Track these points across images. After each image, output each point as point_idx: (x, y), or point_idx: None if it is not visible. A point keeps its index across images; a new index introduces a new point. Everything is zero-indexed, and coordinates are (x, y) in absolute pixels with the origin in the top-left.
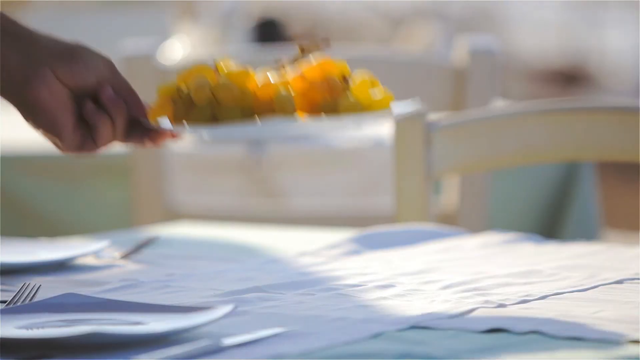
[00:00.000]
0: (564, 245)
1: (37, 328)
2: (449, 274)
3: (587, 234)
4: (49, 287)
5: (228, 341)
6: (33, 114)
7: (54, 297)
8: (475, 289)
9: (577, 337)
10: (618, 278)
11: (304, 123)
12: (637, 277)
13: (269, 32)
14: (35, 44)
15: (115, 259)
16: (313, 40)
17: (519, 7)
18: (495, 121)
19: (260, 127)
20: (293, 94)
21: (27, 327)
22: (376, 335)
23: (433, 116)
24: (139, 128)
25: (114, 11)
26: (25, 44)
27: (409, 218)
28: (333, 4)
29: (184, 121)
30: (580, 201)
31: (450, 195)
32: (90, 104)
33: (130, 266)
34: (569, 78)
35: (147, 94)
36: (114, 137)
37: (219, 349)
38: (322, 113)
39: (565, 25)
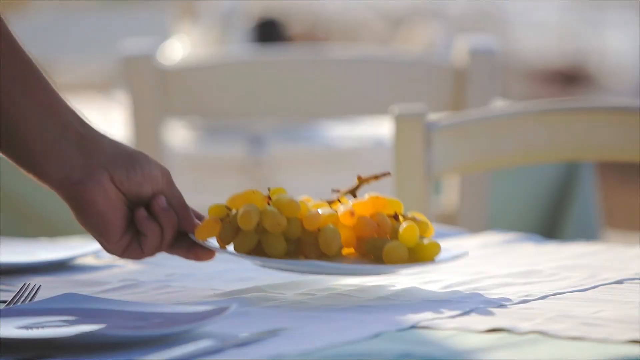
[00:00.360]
0: (564, 245)
1: (37, 328)
2: (449, 274)
3: (587, 234)
4: (49, 287)
5: (228, 341)
6: (84, 214)
7: (54, 297)
8: (475, 289)
9: (577, 337)
10: (618, 278)
11: (343, 267)
12: (637, 277)
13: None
14: (97, 146)
15: (115, 259)
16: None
17: (519, 7)
18: (495, 121)
19: (303, 264)
20: (340, 228)
21: (27, 327)
22: (376, 335)
23: (433, 116)
24: (185, 241)
25: (114, 11)
26: (88, 145)
27: None
28: (333, 4)
29: (230, 244)
30: (580, 201)
31: (450, 195)
32: (143, 211)
33: (130, 266)
34: (569, 78)
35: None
36: (160, 247)
37: (219, 349)
38: (367, 251)
39: (565, 26)
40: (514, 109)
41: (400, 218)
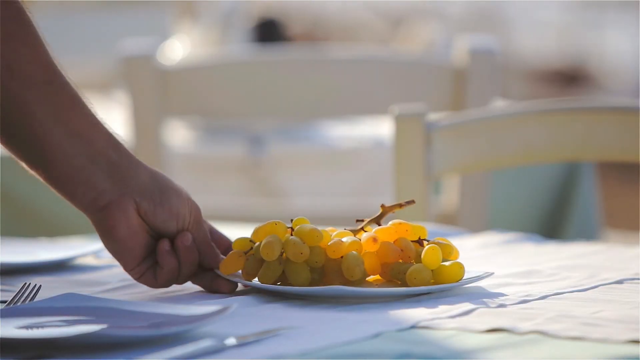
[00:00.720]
0: (564, 245)
1: (37, 328)
2: None
3: (587, 234)
4: (49, 287)
5: (228, 341)
6: (106, 238)
7: (54, 297)
8: (475, 289)
9: (577, 337)
10: (618, 278)
11: (366, 291)
12: (637, 277)
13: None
14: (129, 174)
15: (115, 260)
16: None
17: (519, 8)
18: (495, 121)
19: (326, 290)
20: (364, 254)
21: (27, 327)
22: (376, 335)
23: (433, 116)
24: (209, 274)
25: (114, 11)
26: (119, 173)
27: (409, 218)
28: (333, 4)
29: (255, 276)
30: (580, 201)
31: (450, 195)
32: (165, 244)
33: None
34: (569, 78)
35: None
36: (175, 281)
37: (219, 349)
38: (392, 276)
39: (565, 26)
40: (514, 109)
41: (424, 243)
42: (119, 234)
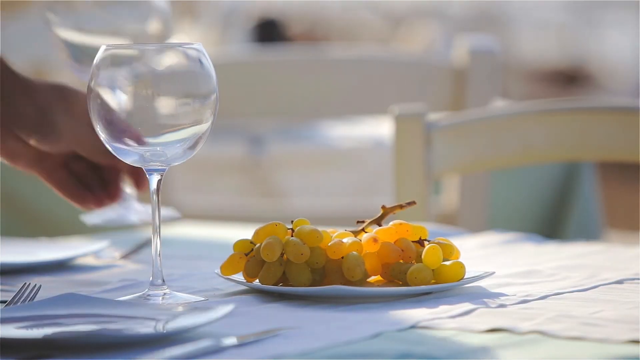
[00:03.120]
0: (564, 245)
1: (37, 328)
2: None
3: (588, 234)
4: (49, 287)
5: (228, 341)
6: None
7: (54, 297)
8: (475, 289)
9: (577, 337)
10: (618, 278)
11: (366, 290)
12: (637, 277)
13: (269, 32)
14: (10, 106)
15: (115, 259)
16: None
17: (519, 8)
18: (495, 121)
19: (327, 289)
20: (365, 254)
21: (27, 327)
22: (376, 335)
23: (433, 116)
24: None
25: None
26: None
27: (409, 218)
28: (333, 4)
29: (256, 277)
30: (580, 201)
31: (450, 195)
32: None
33: (130, 266)
34: (569, 78)
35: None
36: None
37: (219, 349)
38: (393, 276)
39: (565, 26)
40: (514, 109)
41: (425, 243)
42: (3, 156)
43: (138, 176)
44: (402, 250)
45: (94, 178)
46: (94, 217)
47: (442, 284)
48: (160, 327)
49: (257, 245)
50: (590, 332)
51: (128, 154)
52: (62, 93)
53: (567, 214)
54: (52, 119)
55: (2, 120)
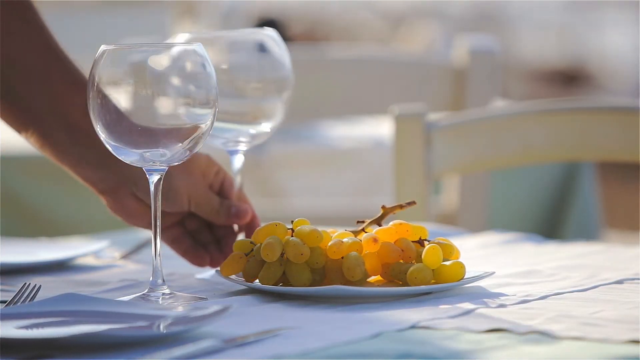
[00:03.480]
0: (564, 245)
1: (37, 328)
2: None
3: (587, 234)
4: (49, 287)
5: (228, 341)
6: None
7: (54, 297)
8: (475, 289)
9: (577, 337)
10: (618, 278)
11: (366, 290)
12: (637, 277)
13: None
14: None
15: (115, 259)
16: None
17: (520, 8)
18: (495, 121)
19: (327, 289)
20: (365, 254)
21: (27, 327)
22: (376, 335)
23: (433, 116)
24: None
25: (114, 11)
26: (116, 162)
27: (409, 218)
28: (333, 4)
29: (256, 277)
30: (580, 201)
31: (450, 195)
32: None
33: (130, 266)
34: (569, 78)
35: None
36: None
37: (219, 349)
38: (393, 276)
39: (565, 26)
40: (514, 109)
41: (425, 243)
42: (121, 216)
43: (252, 233)
44: (402, 250)
45: (209, 236)
46: (206, 274)
47: (442, 284)
48: (160, 327)
49: (257, 245)
50: (590, 332)
51: (128, 153)
52: None
53: (566, 214)
54: (170, 178)
55: (122, 179)
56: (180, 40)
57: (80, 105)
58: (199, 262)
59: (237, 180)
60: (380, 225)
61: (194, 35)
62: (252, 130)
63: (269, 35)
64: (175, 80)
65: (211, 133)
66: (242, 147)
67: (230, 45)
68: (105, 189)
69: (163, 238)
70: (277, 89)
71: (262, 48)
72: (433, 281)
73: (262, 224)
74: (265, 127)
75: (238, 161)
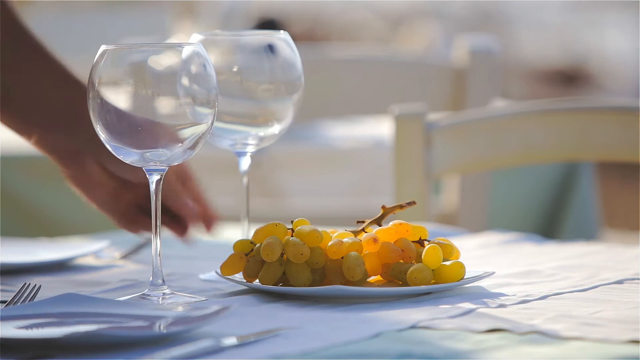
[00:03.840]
0: (564, 245)
1: (37, 328)
2: None
3: (587, 234)
4: (49, 287)
5: (228, 341)
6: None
7: (54, 297)
8: (475, 289)
9: (577, 337)
10: (618, 278)
11: (366, 290)
12: (637, 277)
13: None
14: (85, 129)
15: (115, 259)
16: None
17: (519, 8)
18: (495, 121)
19: (327, 289)
20: (365, 254)
21: (27, 327)
22: (376, 335)
23: (433, 116)
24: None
25: (114, 11)
26: (78, 126)
27: (409, 218)
28: (333, 3)
29: (256, 277)
30: (579, 201)
31: (450, 195)
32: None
33: (130, 266)
34: (569, 78)
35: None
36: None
37: (219, 349)
38: (393, 276)
39: (565, 26)
40: (514, 109)
41: (425, 243)
42: (81, 187)
43: (207, 222)
44: (402, 250)
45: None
46: (209, 274)
47: (442, 284)
48: (160, 327)
49: (257, 245)
50: (590, 332)
51: (128, 153)
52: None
53: (566, 214)
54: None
55: (88, 144)
56: (193, 40)
57: (49, 73)
58: (137, 229)
59: (244, 181)
60: (380, 225)
61: (207, 37)
62: (262, 132)
63: (281, 37)
64: (175, 80)
65: (220, 134)
66: (250, 148)
67: (241, 47)
68: (71, 155)
69: (117, 213)
70: (287, 91)
71: (273, 50)
72: (433, 281)
73: (262, 224)
74: (275, 129)
75: (245, 163)
